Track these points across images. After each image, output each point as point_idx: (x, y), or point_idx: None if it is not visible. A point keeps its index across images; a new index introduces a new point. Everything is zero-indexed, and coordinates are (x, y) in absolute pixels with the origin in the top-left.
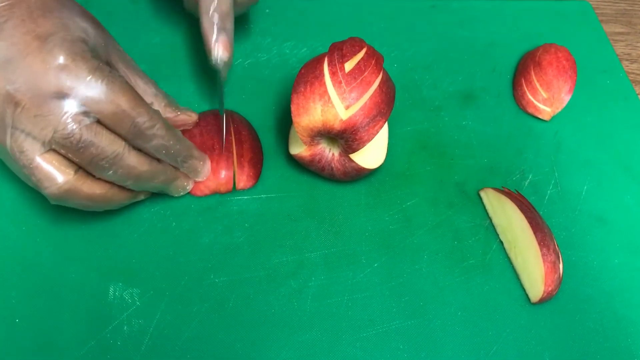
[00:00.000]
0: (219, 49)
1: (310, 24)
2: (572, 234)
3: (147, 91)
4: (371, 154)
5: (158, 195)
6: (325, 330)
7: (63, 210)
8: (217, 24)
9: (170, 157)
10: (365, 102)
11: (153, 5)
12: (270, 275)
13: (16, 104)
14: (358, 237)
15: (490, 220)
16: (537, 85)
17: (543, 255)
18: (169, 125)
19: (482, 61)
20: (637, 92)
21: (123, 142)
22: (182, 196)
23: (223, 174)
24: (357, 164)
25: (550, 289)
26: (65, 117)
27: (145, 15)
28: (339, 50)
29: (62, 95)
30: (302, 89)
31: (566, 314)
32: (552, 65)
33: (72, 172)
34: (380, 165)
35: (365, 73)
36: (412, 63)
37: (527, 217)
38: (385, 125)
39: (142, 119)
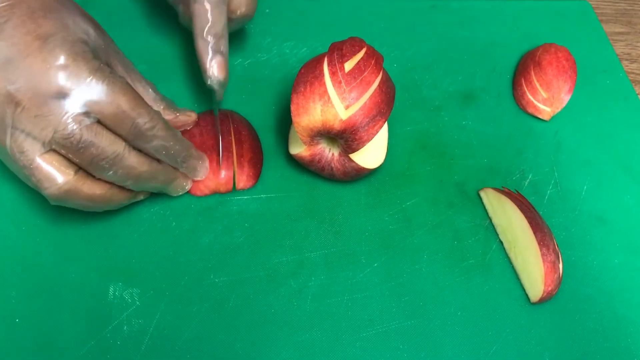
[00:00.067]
0: (214, 71)
1: (310, 24)
2: (572, 234)
3: (145, 94)
4: (371, 154)
5: (158, 195)
6: (325, 330)
7: (63, 210)
8: (211, 46)
9: (170, 158)
10: (365, 102)
11: (152, 7)
12: (270, 275)
13: (16, 104)
14: (358, 237)
15: (490, 220)
16: (537, 85)
17: (543, 255)
18: (169, 126)
19: (482, 61)
20: (637, 92)
21: (123, 143)
22: (182, 196)
23: (223, 174)
24: (357, 163)
25: (550, 288)
26: (65, 117)
27: (144, 17)
28: (338, 50)
29: (62, 95)
30: (302, 89)
31: (566, 313)
32: (552, 65)
33: (72, 173)
34: (380, 165)
35: (365, 73)
36: (412, 63)
37: (527, 217)
38: (385, 125)
39: (143, 120)
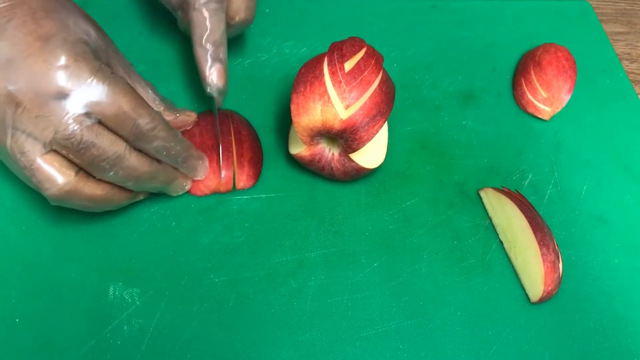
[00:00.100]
0: (213, 79)
1: (310, 23)
2: (571, 233)
3: (145, 94)
4: (371, 154)
5: (157, 195)
6: (325, 329)
7: (63, 210)
8: (210, 54)
9: (170, 158)
10: (365, 102)
11: (151, 7)
12: (270, 275)
13: (17, 104)
14: (358, 237)
15: (490, 220)
16: (537, 85)
17: (543, 255)
18: (169, 127)
19: (482, 61)
20: (637, 92)
21: (124, 143)
22: (182, 196)
23: (223, 173)
24: (357, 163)
25: (550, 288)
26: (66, 117)
27: (143, 17)
28: (338, 50)
29: (63, 95)
30: (302, 89)
31: (566, 313)
32: (552, 65)
33: (72, 174)
34: (380, 165)
35: (365, 73)
36: (412, 63)
37: (526, 216)
38: (385, 125)
39: (144, 121)
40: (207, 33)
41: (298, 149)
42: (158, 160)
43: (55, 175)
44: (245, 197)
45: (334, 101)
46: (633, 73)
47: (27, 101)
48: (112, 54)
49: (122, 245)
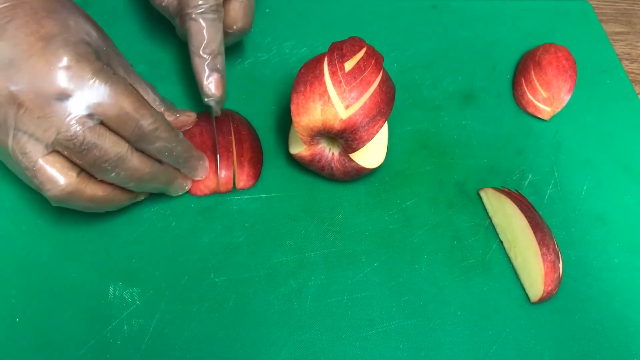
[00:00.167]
0: (211, 88)
1: (310, 23)
2: (571, 233)
3: (145, 95)
4: (371, 154)
5: (158, 195)
6: (325, 329)
7: (63, 210)
8: (207, 64)
9: (171, 158)
10: (365, 102)
11: (150, 8)
12: (270, 275)
13: (19, 105)
14: (358, 237)
15: (490, 220)
16: (537, 84)
17: (543, 254)
18: (171, 127)
19: (482, 61)
20: (637, 92)
21: (126, 144)
22: (182, 196)
23: (223, 173)
24: (357, 163)
25: (549, 288)
26: (68, 118)
27: (142, 17)
28: (338, 50)
29: (65, 96)
30: (302, 89)
31: (566, 313)
32: (552, 64)
33: (74, 175)
34: (380, 165)
35: (365, 73)
36: (412, 63)
37: (526, 216)
38: (385, 125)
39: (146, 122)
40: (204, 43)
41: (298, 149)
42: (159, 161)
43: (57, 176)
44: (245, 197)
45: (334, 101)
46: (633, 73)
47: (29, 102)
48: (113, 55)
49: (122, 245)
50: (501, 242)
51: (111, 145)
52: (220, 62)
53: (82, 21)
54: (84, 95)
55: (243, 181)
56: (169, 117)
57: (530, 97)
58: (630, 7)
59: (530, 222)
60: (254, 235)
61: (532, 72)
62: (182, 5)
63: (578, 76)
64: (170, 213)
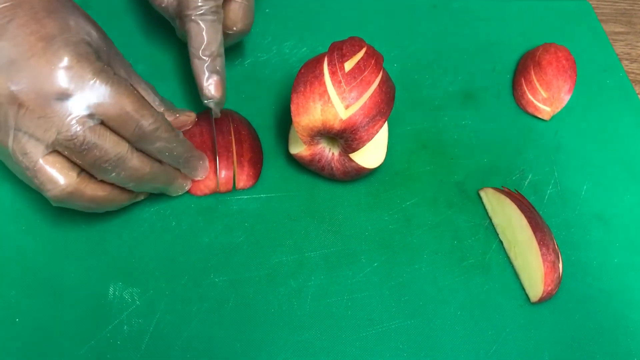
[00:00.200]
0: (210, 90)
1: (310, 23)
2: (571, 233)
3: (146, 95)
4: (371, 154)
5: (157, 195)
6: (324, 329)
7: (63, 210)
8: (207, 66)
9: (172, 159)
10: (365, 102)
11: (150, 8)
12: (270, 275)
13: (20, 105)
14: (358, 237)
15: (490, 220)
16: (537, 84)
17: (543, 254)
18: (171, 127)
19: (482, 61)
20: (637, 92)
21: (127, 144)
22: (182, 196)
23: (223, 173)
24: (357, 163)
25: (549, 288)
26: (69, 118)
27: (141, 17)
28: (338, 50)
29: (66, 96)
30: (302, 89)
31: (566, 313)
32: (551, 64)
33: (75, 175)
34: (380, 165)
35: (365, 73)
36: (412, 62)
37: (526, 216)
38: (385, 125)
39: (147, 122)
40: (204, 45)
41: (298, 149)
42: (159, 161)
43: (58, 176)
44: (245, 197)
45: (334, 101)
46: (633, 73)
47: (30, 102)
48: (113, 55)
49: (123, 245)
50: (501, 242)
51: (111, 145)
52: (219, 63)
53: (82, 21)
54: (84, 96)
55: (243, 181)
56: (169, 117)
57: (530, 97)
58: (630, 7)
59: (530, 222)
60: (254, 235)
61: (532, 72)
62: (181, 7)
63: (578, 76)
64: (170, 213)
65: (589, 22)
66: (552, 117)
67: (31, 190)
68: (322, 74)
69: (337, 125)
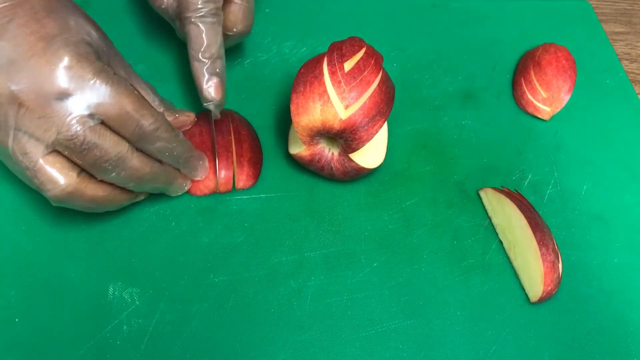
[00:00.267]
0: (210, 92)
1: (309, 23)
2: (571, 233)
3: (145, 95)
4: (371, 154)
5: (157, 195)
6: (324, 329)
7: (63, 210)
8: (207, 68)
9: (172, 159)
10: (365, 102)
11: (149, 8)
12: (269, 275)
13: (20, 105)
14: (357, 237)
15: (490, 220)
16: (537, 84)
17: (542, 254)
18: (172, 127)
19: (482, 61)
20: (637, 92)
21: (127, 144)
22: (182, 196)
23: (222, 173)
24: (356, 163)
25: (549, 288)
26: (69, 118)
27: (141, 17)
28: (338, 50)
29: (66, 96)
30: (302, 89)
31: (566, 313)
32: (551, 64)
33: (75, 175)
34: (380, 165)
35: (365, 73)
36: (412, 62)
37: (526, 216)
38: (385, 125)
39: (147, 122)
40: (203, 47)
41: (298, 149)
42: (159, 161)
43: (58, 176)
44: (245, 197)
45: (334, 101)
46: (633, 73)
47: (30, 102)
48: (113, 55)
49: (122, 245)
50: (501, 242)
51: (112, 145)
52: (219, 65)
53: (82, 21)
54: (84, 95)
55: (243, 181)
56: (169, 117)
57: (530, 97)
58: (630, 7)
59: (529, 222)
60: (253, 235)
61: (532, 72)
62: (181, 9)
63: (578, 76)
64: (170, 213)
65: (589, 22)
66: (552, 117)
67: (31, 190)
68: (321, 74)
69: (336, 125)
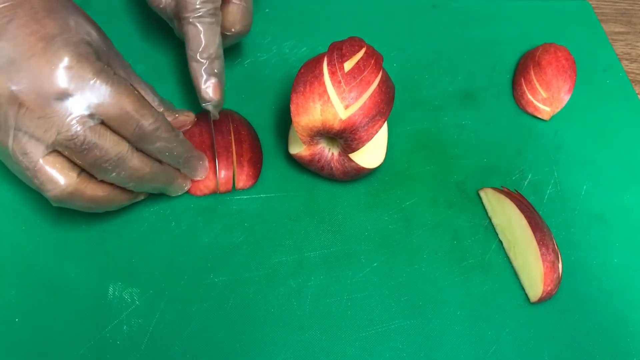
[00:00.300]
0: (209, 93)
1: (309, 23)
2: (571, 233)
3: (145, 95)
4: (371, 154)
5: (157, 195)
6: (324, 329)
7: (63, 210)
8: (205, 68)
9: (172, 158)
10: (365, 102)
11: (149, 8)
12: (269, 275)
13: (20, 105)
14: (357, 237)
15: (490, 220)
16: (537, 84)
17: (542, 254)
18: (172, 127)
19: (482, 61)
20: (637, 92)
21: (127, 144)
22: (182, 196)
23: (222, 173)
24: (356, 163)
25: (549, 288)
26: (69, 118)
27: (142, 18)
28: (338, 50)
29: (66, 96)
30: (302, 89)
31: (565, 313)
32: (551, 64)
33: (75, 175)
34: (380, 165)
35: (365, 73)
36: (412, 62)
37: (526, 216)
38: (385, 125)
39: (147, 122)
40: (201, 47)
41: (298, 149)
42: (159, 161)
43: (58, 176)
44: (245, 197)
45: (334, 101)
46: (633, 73)
47: (30, 102)
48: (112, 55)
49: (122, 245)
50: (501, 242)
51: (112, 145)
52: (218, 66)
53: (82, 21)
54: (84, 96)
55: (242, 181)
56: (168, 117)
57: (530, 97)
58: (630, 7)
59: (529, 222)
60: (253, 235)
61: (532, 72)
62: (179, 9)
63: (578, 76)
64: (170, 213)
65: (589, 22)
66: (552, 117)
67: (31, 190)
68: (321, 74)
69: (336, 125)
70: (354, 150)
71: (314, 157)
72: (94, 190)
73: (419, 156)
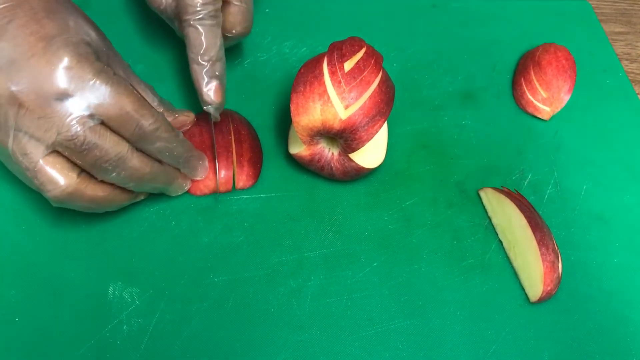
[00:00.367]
0: (210, 95)
1: (309, 23)
2: (571, 233)
3: (145, 96)
4: (371, 154)
5: (157, 195)
6: (324, 329)
7: (63, 210)
8: (206, 71)
9: (172, 158)
10: (365, 102)
11: (149, 8)
12: (269, 275)
13: (20, 105)
14: (357, 237)
15: (490, 220)
16: (537, 84)
17: (542, 254)
18: (171, 127)
19: (482, 61)
20: (637, 92)
21: (127, 144)
22: (182, 195)
23: (222, 173)
24: (356, 163)
25: (549, 288)
26: (69, 119)
27: (142, 18)
28: (338, 50)
29: (66, 97)
30: (302, 89)
31: (565, 313)
32: (551, 64)
33: (75, 175)
34: (380, 165)
35: (365, 73)
36: (412, 62)
37: (526, 216)
38: (385, 125)
39: (147, 122)
40: (202, 50)
41: (298, 149)
42: (159, 161)
43: (58, 177)
44: (245, 196)
45: (334, 101)
46: (633, 73)
47: (30, 102)
48: (112, 55)
49: (122, 245)
50: (501, 242)
51: (112, 145)
52: (219, 68)
53: (81, 21)
54: (84, 96)
55: (242, 181)
56: (168, 118)
57: (530, 97)
58: (630, 7)
59: (529, 222)
60: (253, 235)
61: (532, 72)
62: (180, 11)
63: (578, 76)
64: (170, 213)
65: (589, 22)
66: (552, 117)
67: (31, 190)
68: (321, 74)
69: (336, 125)
70: (354, 150)
71: (314, 157)
72: (94, 190)
73: (419, 156)
